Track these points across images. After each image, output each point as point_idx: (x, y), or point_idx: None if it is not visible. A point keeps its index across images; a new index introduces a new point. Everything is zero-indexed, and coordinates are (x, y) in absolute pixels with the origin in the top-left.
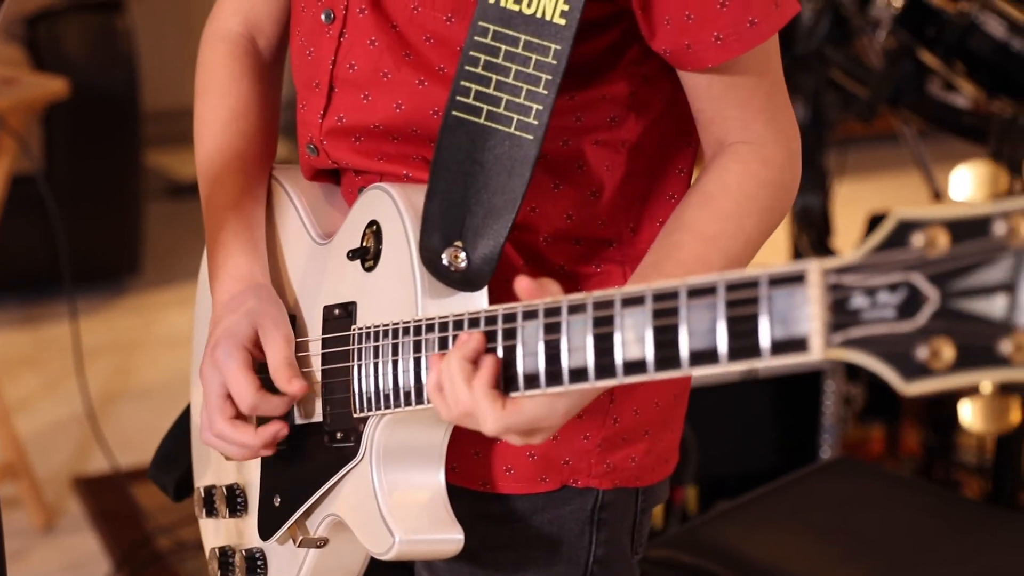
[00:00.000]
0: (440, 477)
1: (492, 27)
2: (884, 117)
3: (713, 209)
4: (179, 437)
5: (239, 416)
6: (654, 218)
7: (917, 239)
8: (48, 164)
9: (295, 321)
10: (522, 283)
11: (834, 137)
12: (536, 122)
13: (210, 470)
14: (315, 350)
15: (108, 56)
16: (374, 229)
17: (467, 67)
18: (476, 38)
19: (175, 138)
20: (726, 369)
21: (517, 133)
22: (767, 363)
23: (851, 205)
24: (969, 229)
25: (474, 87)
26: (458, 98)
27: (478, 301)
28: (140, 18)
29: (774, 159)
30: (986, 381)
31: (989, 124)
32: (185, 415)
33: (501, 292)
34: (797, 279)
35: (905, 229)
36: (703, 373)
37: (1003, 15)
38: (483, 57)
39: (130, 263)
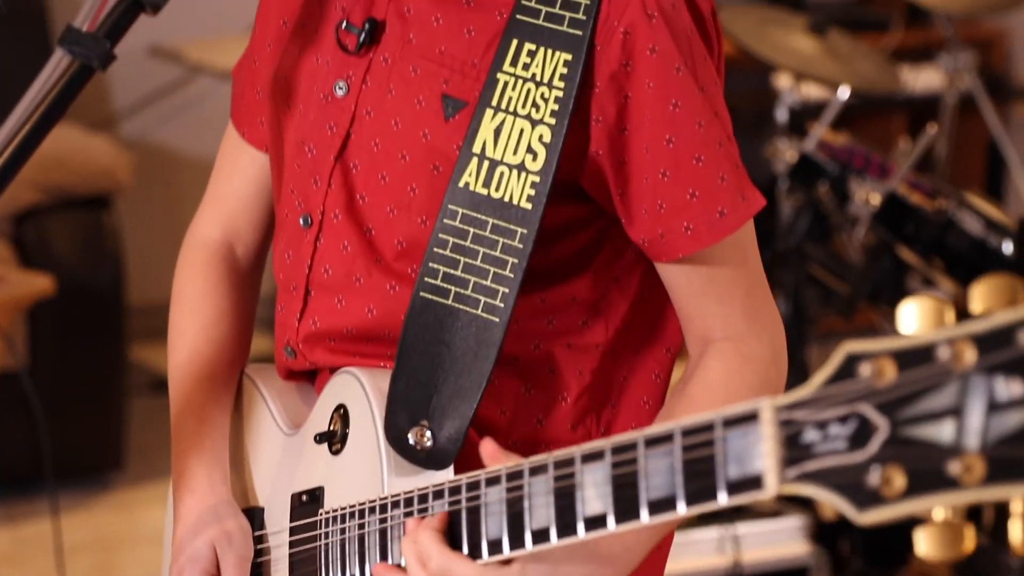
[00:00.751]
0: None
1: (461, 210)
2: (864, 312)
3: (696, 410)
4: None
5: None
6: (626, 424)
7: (865, 369)
8: (32, 360)
9: (264, 514)
10: (488, 447)
11: (816, 332)
12: (502, 305)
13: None
14: (284, 540)
15: (95, 253)
16: (341, 413)
17: (436, 248)
18: (446, 220)
19: (160, 332)
20: (686, 515)
21: (484, 315)
22: (724, 504)
23: None
24: (915, 357)
25: (442, 268)
26: (426, 279)
27: (444, 479)
28: (126, 213)
29: (758, 356)
30: (938, 506)
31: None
32: None
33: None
34: (751, 418)
35: (853, 361)
36: (662, 521)
37: (979, 213)
38: (452, 239)
39: (113, 459)
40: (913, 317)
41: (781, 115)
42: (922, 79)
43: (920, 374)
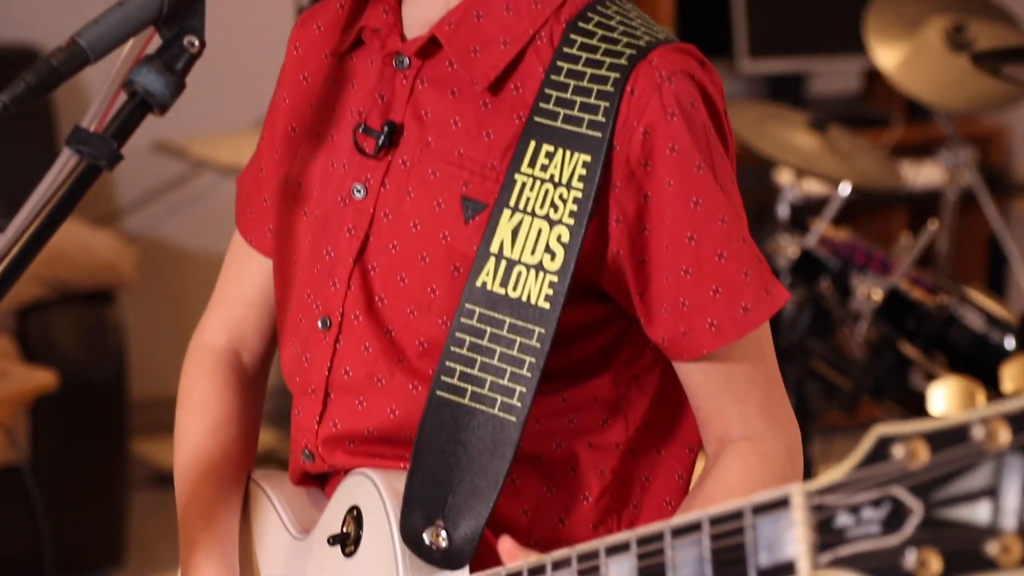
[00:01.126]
0: None
1: (478, 309)
2: (867, 407)
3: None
4: None
5: None
6: (649, 523)
7: (898, 451)
8: (34, 454)
9: None
10: (506, 544)
11: (818, 427)
12: (519, 404)
13: None
14: None
15: (98, 348)
16: (355, 514)
17: (453, 348)
18: (463, 319)
19: (162, 427)
20: None
21: (500, 415)
22: None
23: None
24: (948, 438)
25: (459, 368)
26: (443, 378)
27: None
28: (129, 308)
29: (774, 455)
30: None
31: None
32: None
33: None
34: (781, 504)
35: (885, 444)
36: None
37: (981, 308)
38: (468, 338)
39: (114, 554)
40: (943, 398)
41: (782, 211)
42: (923, 175)
43: (954, 455)
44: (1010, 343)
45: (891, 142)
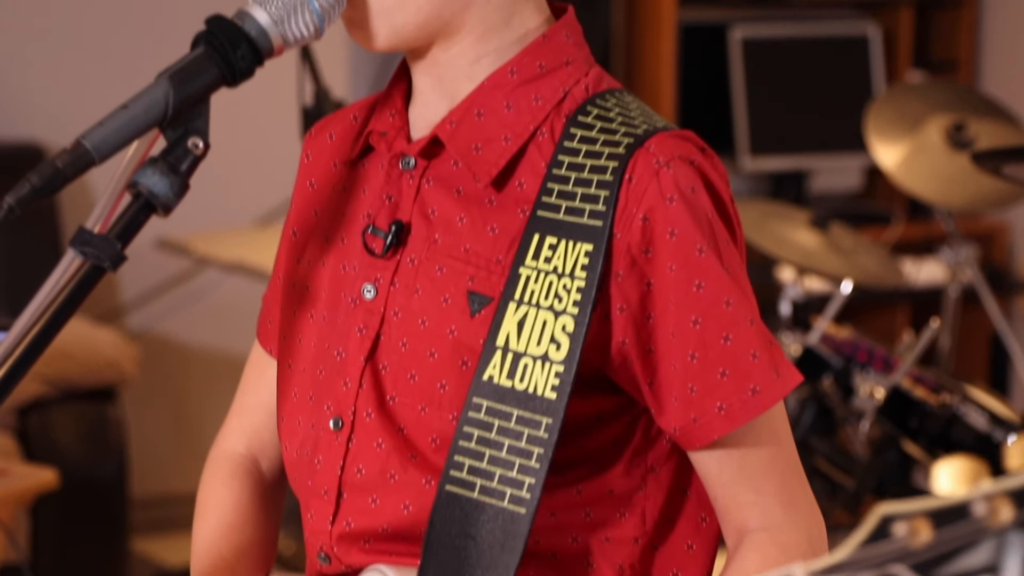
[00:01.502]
0: None
1: (486, 403)
2: (870, 506)
3: None
4: None
5: None
6: None
7: (899, 529)
8: (34, 553)
9: None
10: None
11: None
12: (529, 496)
13: None
14: None
15: (99, 446)
16: None
17: (461, 442)
18: (470, 414)
19: (163, 525)
20: None
21: (510, 507)
22: None
23: None
24: (950, 516)
25: (468, 461)
26: (452, 472)
27: None
28: (131, 405)
29: (795, 546)
30: None
31: None
32: None
33: None
34: None
35: (887, 522)
36: None
37: (983, 407)
38: (477, 432)
39: None
40: (949, 477)
41: (784, 308)
42: (924, 272)
43: (956, 532)
44: (1013, 442)
45: (892, 239)
